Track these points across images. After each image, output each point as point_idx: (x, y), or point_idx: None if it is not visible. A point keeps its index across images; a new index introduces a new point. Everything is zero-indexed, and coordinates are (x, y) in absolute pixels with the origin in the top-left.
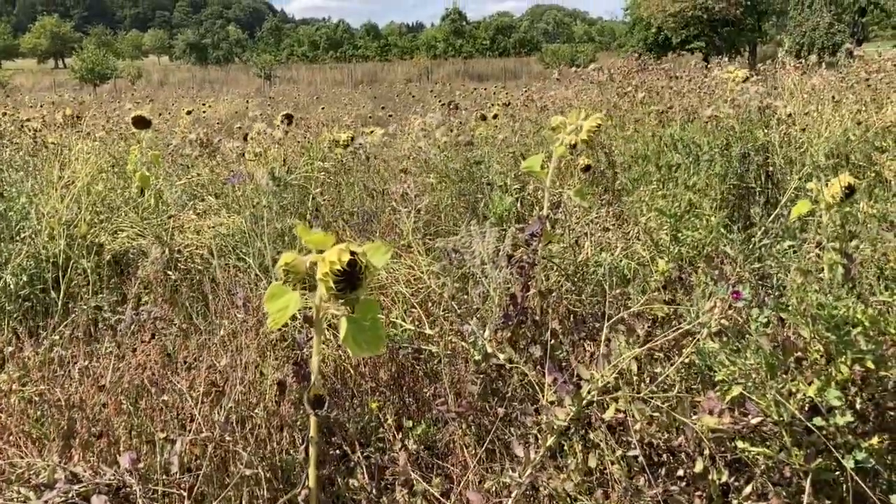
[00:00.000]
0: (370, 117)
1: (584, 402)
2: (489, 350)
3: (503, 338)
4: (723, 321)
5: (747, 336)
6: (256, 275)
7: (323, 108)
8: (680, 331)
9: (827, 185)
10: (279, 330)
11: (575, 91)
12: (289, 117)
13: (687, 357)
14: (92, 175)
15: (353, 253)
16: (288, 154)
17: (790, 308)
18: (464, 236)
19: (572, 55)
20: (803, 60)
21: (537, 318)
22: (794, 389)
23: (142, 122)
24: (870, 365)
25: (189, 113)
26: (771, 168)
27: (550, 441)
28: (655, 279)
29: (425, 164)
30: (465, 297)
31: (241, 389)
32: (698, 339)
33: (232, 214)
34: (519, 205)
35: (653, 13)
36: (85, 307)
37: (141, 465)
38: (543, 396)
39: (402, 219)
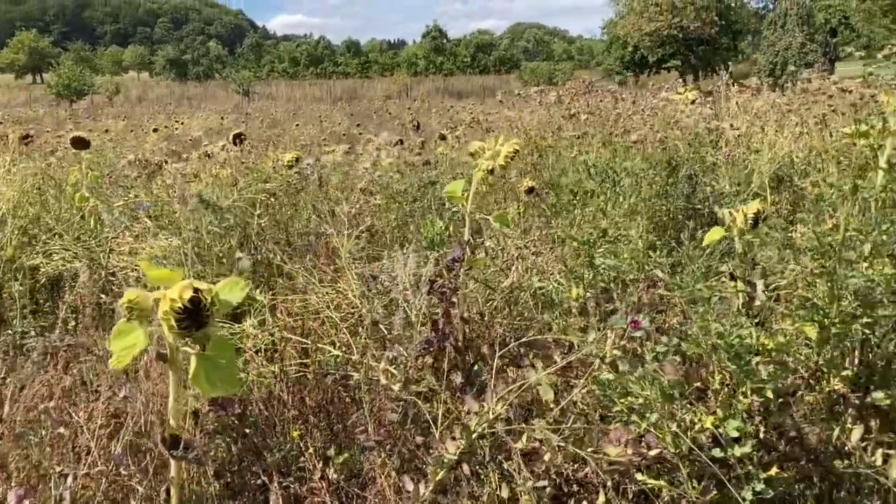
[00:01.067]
0: (344, 134)
1: (475, 434)
2: (409, 377)
3: (424, 364)
4: (616, 351)
5: (645, 366)
6: None
7: (297, 125)
8: (573, 358)
9: (738, 211)
10: None
11: (519, 113)
12: (239, 137)
13: (584, 388)
14: (17, 197)
15: (196, 290)
16: (236, 175)
17: (690, 337)
18: (386, 262)
19: (550, 73)
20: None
21: (459, 344)
22: (695, 420)
23: (80, 143)
24: (769, 395)
25: (156, 130)
26: (714, 189)
27: (440, 475)
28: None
29: (376, 185)
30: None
31: (142, 420)
32: (592, 371)
33: (171, 237)
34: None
35: (629, 32)
36: (11, 332)
37: (28, 501)
38: (437, 429)
39: (342, 241)
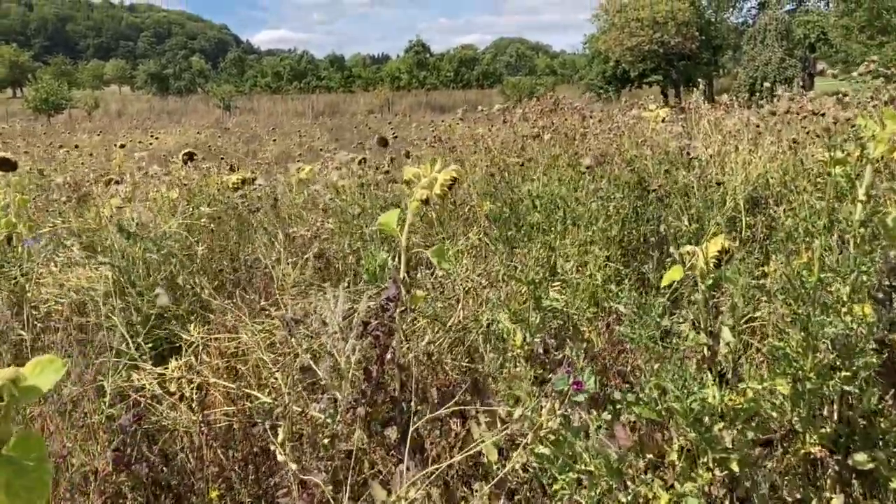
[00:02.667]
0: (321, 150)
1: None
2: (338, 433)
3: (357, 416)
4: (551, 423)
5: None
6: (122, 334)
7: (275, 140)
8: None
9: (702, 248)
10: (107, 409)
11: (485, 130)
12: (190, 155)
13: (516, 464)
14: None
15: None
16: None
17: (641, 400)
18: (314, 300)
19: (532, 87)
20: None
21: (396, 394)
22: (649, 495)
23: (5, 164)
24: (734, 467)
25: (123, 146)
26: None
27: None
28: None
29: (328, 209)
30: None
31: None
32: (525, 444)
33: (100, 266)
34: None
35: (610, 47)
36: None
37: None
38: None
39: (282, 272)
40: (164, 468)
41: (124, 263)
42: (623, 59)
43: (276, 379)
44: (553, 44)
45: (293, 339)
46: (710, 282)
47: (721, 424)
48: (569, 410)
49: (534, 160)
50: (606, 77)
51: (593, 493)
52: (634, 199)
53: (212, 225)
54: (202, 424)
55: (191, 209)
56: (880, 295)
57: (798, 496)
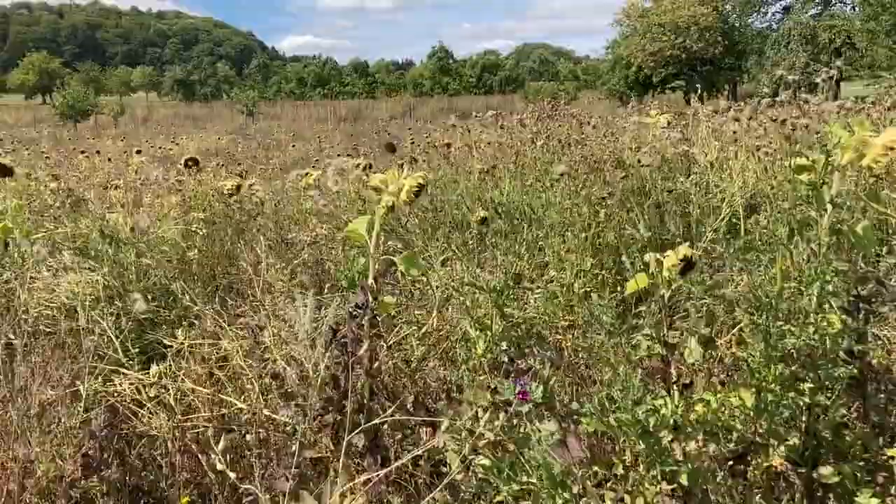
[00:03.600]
0: (339, 155)
1: None
2: (304, 440)
3: (324, 423)
4: (489, 434)
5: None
6: (109, 338)
7: (294, 146)
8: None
9: (665, 256)
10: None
11: (478, 136)
12: (194, 161)
13: (458, 473)
14: None
15: None
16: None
17: (586, 411)
18: (282, 307)
19: (553, 93)
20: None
21: (365, 401)
22: None
23: (2, 170)
24: (683, 481)
25: (139, 152)
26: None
27: None
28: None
29: (322, 215)
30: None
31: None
32: (463, 454)
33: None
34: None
35: (632, 52)
36: None
37: None
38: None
39: (264, 277)
40: (138, 474)
41: (116, 269)
42: (645, 64)
43: (251, 385)
44: (576, 49)
45: (258, 346)
46: (664, 291)
47: (670, 437)
48: (533, 421)
49: (501, 167)
50: (629, 82)
51: None
52: (619, 205)
53: (204, 230)
54: (175, 430)
55: (184, 214)
56: (848, 305)
57: None
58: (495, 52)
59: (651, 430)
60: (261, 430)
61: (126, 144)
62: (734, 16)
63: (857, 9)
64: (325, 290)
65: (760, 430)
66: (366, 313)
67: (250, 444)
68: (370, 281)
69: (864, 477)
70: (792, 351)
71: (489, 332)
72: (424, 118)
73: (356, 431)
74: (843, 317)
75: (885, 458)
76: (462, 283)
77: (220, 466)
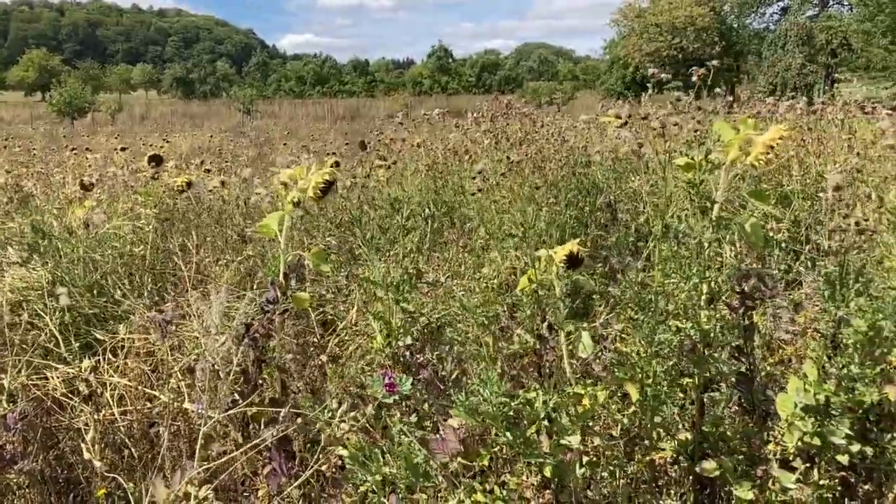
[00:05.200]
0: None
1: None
2: (213, 434)
3: (234, 417)
4: (344, 424)
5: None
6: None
7: (286, 144)
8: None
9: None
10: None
11: (426, 135)
12: (156, 158)
13: (320, 465)
14: None
15: None
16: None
17: (456, 402)
18: (194, 302)
19: (551, 92)
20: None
21: (277, 395)
22: (465, 500)
23: None
24: (547, 473)
25: (124, 149)
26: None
27: None
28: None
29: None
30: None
31: None
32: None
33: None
34: None
35: (629, 53)
36: None
37: None
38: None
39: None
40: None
41: (64, 264)
42: (642, 64)
43: (176, 379)
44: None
45: (166, 341)
46: (535, 286)
47: (533, 429)
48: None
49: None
50: (626, 82)
51: (401, 496)
52: (572, 204)
53: (154, 226)
54: (97, 424)
55: (140, 211)
56: (735, 301)
57: (640, 502)
58: (495, 52)
59: (517, 422)
60: (177, 424)
61: (120, 142)
62: (732, 16)
63: (853, 10)
64: (255, 286)
65: (647, 425)
66: (277, 309)
67: (161, 436)
68: (281, 277)
69: (745, 470)
70: (674, 347)
71: (390, 327)
72: (421, 117)
73: (264, 425)
74: (725, 312)
75: (765, 452)
76: (362, 279)
77: (87, 455)
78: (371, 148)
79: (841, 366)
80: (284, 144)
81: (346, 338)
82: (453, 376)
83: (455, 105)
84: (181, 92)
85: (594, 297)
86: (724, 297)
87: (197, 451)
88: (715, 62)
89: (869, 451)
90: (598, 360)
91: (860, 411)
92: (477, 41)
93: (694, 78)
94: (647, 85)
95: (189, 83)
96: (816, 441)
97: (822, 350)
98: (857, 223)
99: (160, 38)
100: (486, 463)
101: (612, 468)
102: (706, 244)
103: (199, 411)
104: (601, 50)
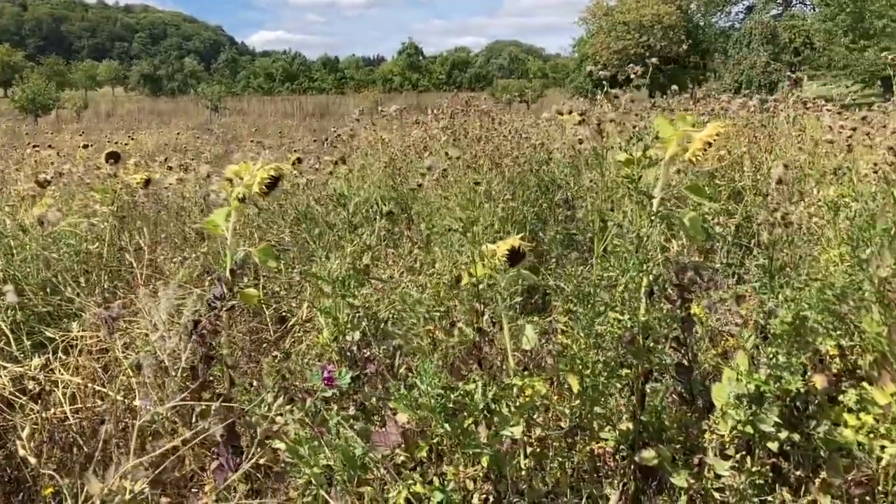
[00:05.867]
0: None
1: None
2: (162, 429)
3: (185, 411)
4: (280, 417)
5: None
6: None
7: (252, 141)
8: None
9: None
10: None
11: (379, 132)
12: (115, 156)
13: (264, 459)
14: None
15: None
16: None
17: (395, 394)
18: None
19: (521, 90)
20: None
21: (225, 391)
22: (401, 492)
23: None
24: (484, 463)
25: (87, 147)
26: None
27: None
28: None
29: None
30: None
31: None
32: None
33: None
34: None
35: (597, 51)
36: None
37: None
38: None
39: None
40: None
41: (17, 261)
42: (610, 62)
43: (126, 376)
44: (547, 46)
45: (112, 337)
46: (475, 280)
47: (471, 420)
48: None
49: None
50: (594, 80)
51: (341, 489)
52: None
53: (110, 223)
54: (46, 422)
55: (97, 208)
56: (673, 294)
57: (583, 492)
58: (466, 50)
59: (456, 414)
60: (125, 421)
61: (85, 139)
62: (698, 15)
63: (816, 9)
64: (207, 282)
65: (588, 415)
66: (224, 305)
67: (109, 433)
68: (227, 273)
69: (683, 458)
70: (614, 338)
71: (337, 322)
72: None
73: (213, 421)
74: (669, 306)
75: (702, 441)
76: (308, 274)
77: (21, 452)
78: (329, 144)
79: (770, 356)
80: (252, 141)
81: (300, 334)
82: (401, 370)
83: (425, 102)
84: (148, 89)
85: (549, 292)
86: (663, 290)
87: (132, 446)
88: (654, 60)
89: (797, 437)
90: (550, 354)
91: (788, 399)
92: (447, 38)
93: (632, 75)
94: (604, 84)
95: (156, 80)
96: (749, 429)
97: (752, 340)
98: (783, 216)
99: (127, 33)
100: (424, 454)
101: (556, 459)
102: (645, 238)
103: (147, 407)
104: (570, 48)
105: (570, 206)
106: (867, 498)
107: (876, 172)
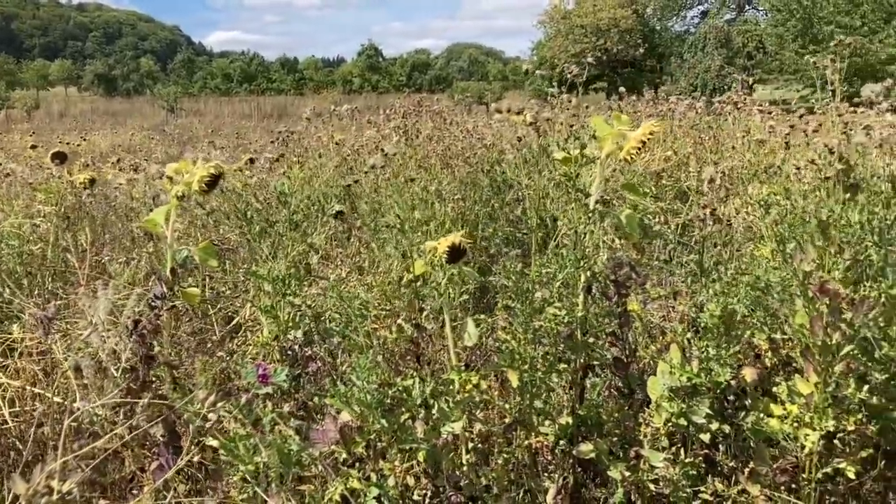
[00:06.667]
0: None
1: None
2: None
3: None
4: (211, 414)
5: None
6: None
7: (209, 142)
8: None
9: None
10: None
11: (333, 132)
12: (60, 156)
13: (196, 457)
14: None
15: None
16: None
17: (330, 391)
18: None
19: (480, 92)
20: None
21: (165, 391)
22: (337, 488)
23: None
24: (420, 458)
25: (34, 147)
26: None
27: None
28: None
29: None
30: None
31: None
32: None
33: None
34: None
35: (555, 54)
36: None
37: None
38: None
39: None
40: None
41: None
42: (567, 65)
43: (66, 379)
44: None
45: (47, 339)
46: (411, 276)
47: (408, 415)
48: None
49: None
50: (552, 83)
51: (276, 486)
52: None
53: (54, 223)
54: None
55: (42, 208)
56: (610, 290)
57: (523, 486)
58: (426, 51)
59: (392, 410)
60: (62, 423)
61: (35, 140)
62: (654, 19)
63: (768, 14)
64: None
65: (527, 410)
66: (164, 304)
67: (47, 435)
68: (167, 272)
69: (619, 451)
70: (553, 334)
71: (278, 321)
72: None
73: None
74: (605, 301)
75: (638, 434)
76: (250, 273)
77: None
78: (280, 144)
79: (701, 349)
80: (206, 142)
81: (248, 335)
82: (343, 368)
83: (385, 103)
84: (103, 89)
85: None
86: (605, 286)
87: (60, 445)
88: (591, 59)
89: (727, 429)
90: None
91: (719, 392)
92: (408, 40)
93: (569, 76)
94: (552, 85)
95: (111, 80)
96: (682, 421)
97: (685, 334)
98: (711, 213)
99: (80, 32)
100: (362, 451)
101: (497, 453)
102: (583, 235)
103: (86, 408)
104: (529, 51)
105: (522, 206)
106: (792, 485)
107: (799, 170)
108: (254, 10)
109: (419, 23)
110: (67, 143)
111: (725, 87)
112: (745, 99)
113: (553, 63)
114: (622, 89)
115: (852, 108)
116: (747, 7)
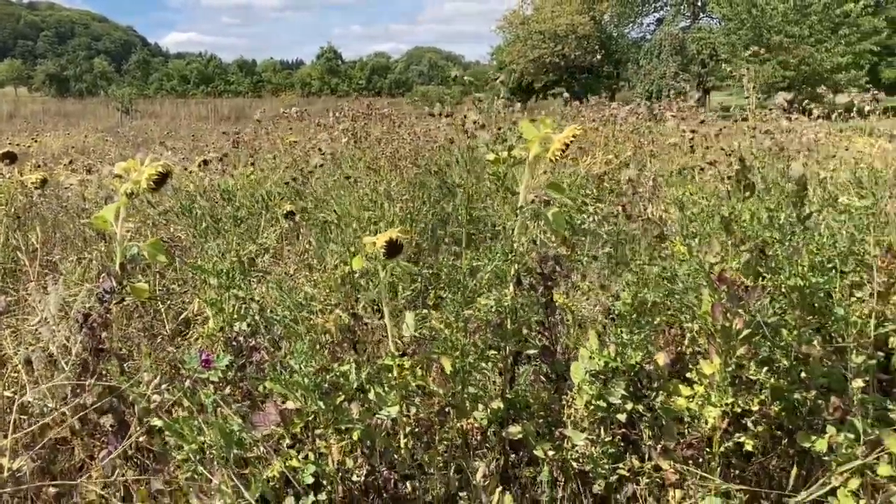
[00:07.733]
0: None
1: None
2: (51, 422)
3: (79, 406)
4: (156, 396)
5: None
6: None
7: (163, 143)
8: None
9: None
10: None
11: (284, 134)
12: (10, 156)
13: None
14: None
15: None
16: None
17: (270, 374)
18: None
19: (440, 96)
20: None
21: (115, 383)
22: (275, 465)
23: None
24: (355, 437)
25: None
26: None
27: None
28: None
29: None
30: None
31: None
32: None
33: None
34: None
35: (514, 59)
36: None
37: None
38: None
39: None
40: None
41: None
42: (526, 70)
43: (17, 373)
44: (466, 54)
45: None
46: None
47: (343, 397)
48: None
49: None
50: (511, 88)
51: (218, 465)
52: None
53: (4, 222)
54: None
55: None
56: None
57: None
58: (385, 55)
59: (329, 393)
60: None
61: None
62: (611, 25)
63: (721, 23)
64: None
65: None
66: (113, 298)
67: None
68: (116, 267)
69: (546, 432)
70: (483, 322)
71: (223, 313)
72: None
73: (102, 408)
74: (532, 292)
75: (563, 416)
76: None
77: None
78: (232, 145)
79: (616, 335)
80: (160, 144)
81: (198, 329)
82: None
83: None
84: (55, 90)
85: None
86: (534, 278)
87: (10, 428)
88: (513, 66)
89: (641, 408)
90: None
91: (633, 374)
92: (368, 44)
93: (497, 83)
94: (509, 92)
95: (63, 80)
96: (601, 403)
97: (602, 322)
98: (623, 209)
99: (31, 32)
100: (300, 432)
101: (441, 440)
102: (511, 230)
103: (36, 397)
104: (489, 56)
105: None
106: (699, 459)
107: (703, 170)
108: (210, 10)
109: (380, 27)
110: (17, 145)
111: (679, 92)
112: (680, 105)
113: (511, 68)
114: (566, 94)
115: (787, 115)
116: (702, 15)
